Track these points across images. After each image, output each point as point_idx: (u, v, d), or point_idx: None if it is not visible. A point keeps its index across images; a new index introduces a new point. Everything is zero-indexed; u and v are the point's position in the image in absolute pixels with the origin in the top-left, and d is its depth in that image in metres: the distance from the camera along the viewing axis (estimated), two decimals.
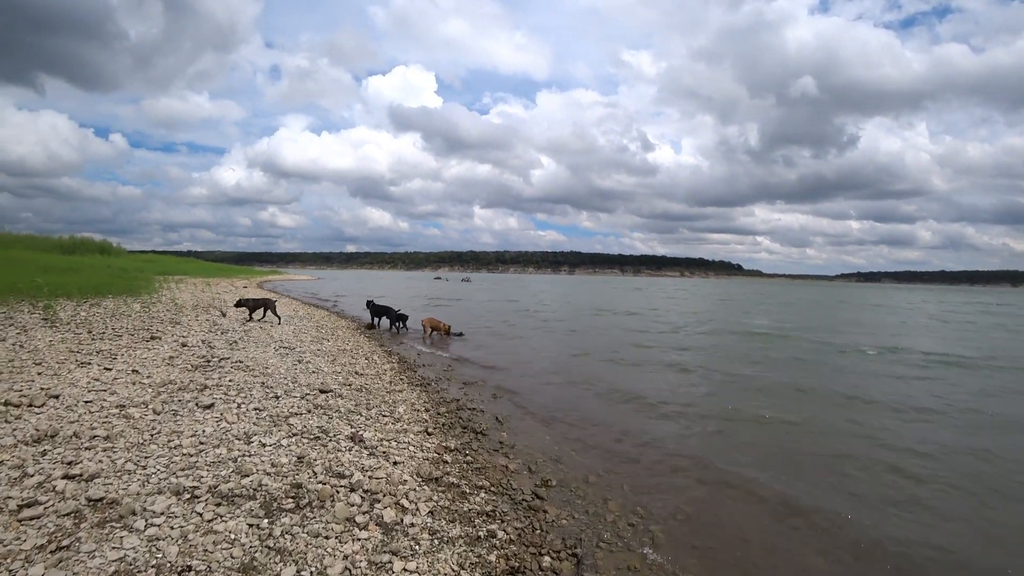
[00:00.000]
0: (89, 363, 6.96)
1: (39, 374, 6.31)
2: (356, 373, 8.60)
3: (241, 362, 7.95)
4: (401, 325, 16.23)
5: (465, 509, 4.31)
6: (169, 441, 4.71)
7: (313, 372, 8.06)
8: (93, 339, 8.34)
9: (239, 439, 4.95)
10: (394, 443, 5.59)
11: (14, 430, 4.64)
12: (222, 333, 10.44)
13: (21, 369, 6.38)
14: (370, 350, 11.33)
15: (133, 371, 6.82)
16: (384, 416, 6.49)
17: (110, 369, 6.81)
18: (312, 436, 5.31)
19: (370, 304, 16.91)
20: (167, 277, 25.49)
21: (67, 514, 3.30)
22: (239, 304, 13.09)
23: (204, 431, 5.02)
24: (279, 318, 13.70)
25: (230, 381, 6.86)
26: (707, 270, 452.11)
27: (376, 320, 16.70)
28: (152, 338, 8.95)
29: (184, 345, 8.73)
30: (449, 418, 6.99)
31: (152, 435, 4.80)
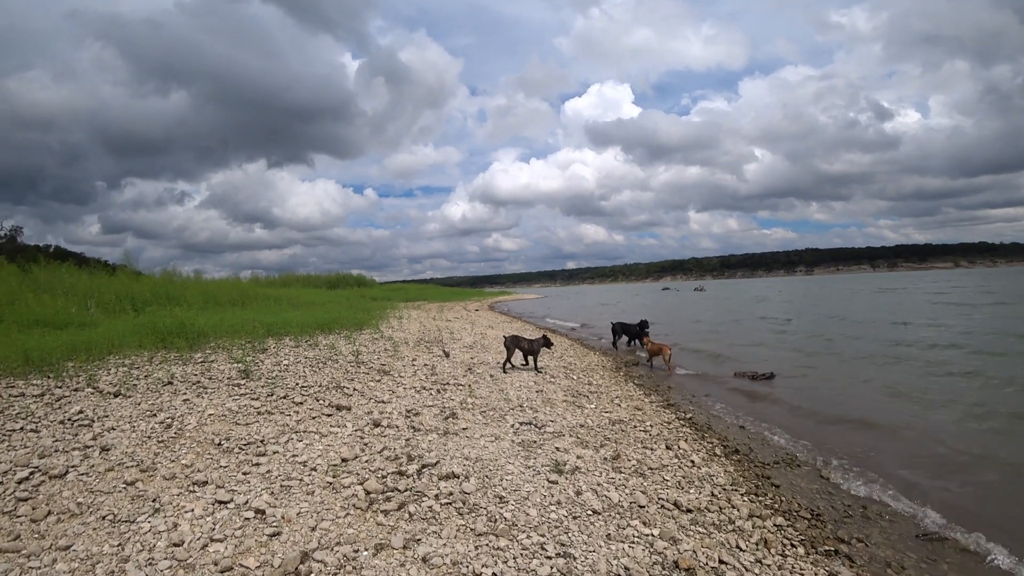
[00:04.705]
0: (206, 483, 3.78)
1: (103, 519, 3.24)
2: (676, 506, 4.03)
3: (456, 477, 4.07)
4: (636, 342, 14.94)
5: None
6: None
7: (592, 512, 3.72)
8: (260, 412, 5.47)
9: None
10: None
11: None
12: (438, 391, 6.98)
13: (86, 509, 3.40)
14: (660, 421, 6.68)
15: (258, 512, 3.38)
16: None
17: (227, 503, 3.48)
18: None
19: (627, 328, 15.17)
20: (407, 303, 25.34)
21: None
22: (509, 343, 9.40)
23: None
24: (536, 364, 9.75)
25: (424, 560, 2.91)
26: (993, 256, 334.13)
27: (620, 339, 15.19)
28: (338, 408, 5.81)
29: (376, 424, 5.33)
30: None
31: None
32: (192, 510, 3.33)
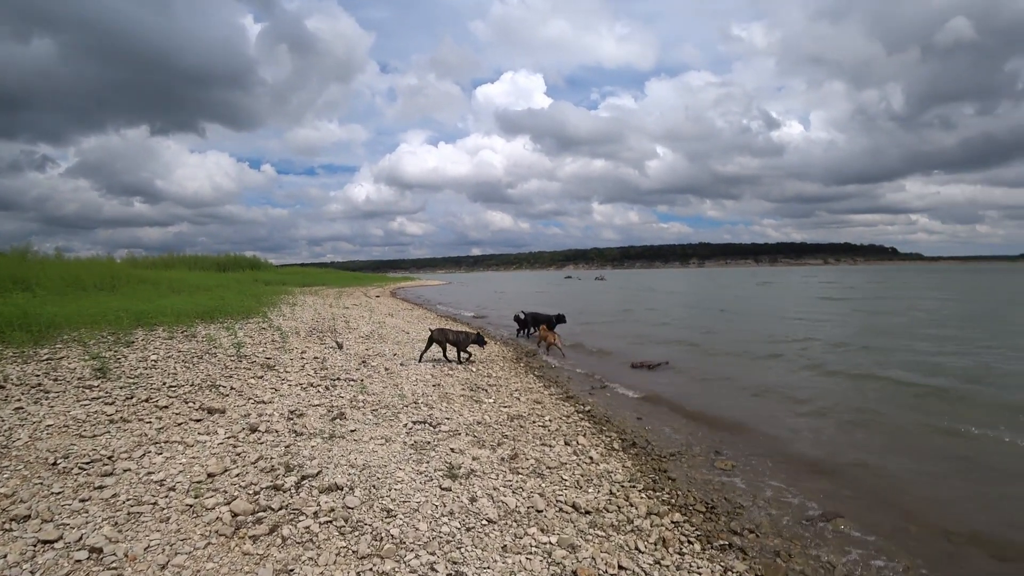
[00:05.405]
0: (29, 517, 3.18)
1: None
2: (575, 508, 4.00)
3: (339, 489, 3.77)
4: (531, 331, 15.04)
5: None
6: None
7: (487, 522, 3.59)
8: (113, 420, 4.78)
9: None
10: None
11: None
12: (327, 388, 6.56)
13: None
14: (560, 415, 6.73)
15: (94, 551, 2.88)
16: None
17: (53, 542, 2.94)
18: None
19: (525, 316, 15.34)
20: (302, 289, 23.90)
21: None
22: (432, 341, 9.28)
23: None
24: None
25: None
26: (855, 256, 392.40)
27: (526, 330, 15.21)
28: (210, 412, 5.24)
29: (253, 430, 4.86)
30: None
31: None
32: (4, 557, 2.78)
